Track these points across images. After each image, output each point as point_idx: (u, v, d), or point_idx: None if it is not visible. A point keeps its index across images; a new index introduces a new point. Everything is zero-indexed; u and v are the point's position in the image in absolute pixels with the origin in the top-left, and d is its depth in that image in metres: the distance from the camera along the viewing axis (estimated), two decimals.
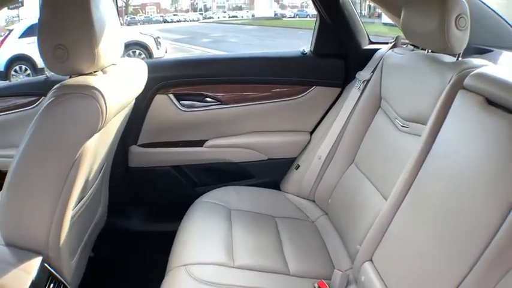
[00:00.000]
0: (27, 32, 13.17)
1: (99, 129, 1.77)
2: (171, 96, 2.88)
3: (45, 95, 2.82)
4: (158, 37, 14.68)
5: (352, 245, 2.08)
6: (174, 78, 2.89)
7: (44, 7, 1.77)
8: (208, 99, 2.91)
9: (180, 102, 2.89)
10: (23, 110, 3.06)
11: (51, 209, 1.80)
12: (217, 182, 2.89)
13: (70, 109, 1.73)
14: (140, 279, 2.59)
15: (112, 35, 1.88)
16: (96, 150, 1.88)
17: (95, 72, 1.88)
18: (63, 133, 1.75)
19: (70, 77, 1.87)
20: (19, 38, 13.48)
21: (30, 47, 12.88)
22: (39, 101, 3.00)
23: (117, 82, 1.98)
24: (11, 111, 3.10)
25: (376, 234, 1.82)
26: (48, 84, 2.89)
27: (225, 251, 2.09)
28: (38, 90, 3.03)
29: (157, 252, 2.32)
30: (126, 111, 2.30)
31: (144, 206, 3.15)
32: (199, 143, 2.94)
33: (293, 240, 2.25)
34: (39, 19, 1.78)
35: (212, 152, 2.94)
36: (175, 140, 2.96)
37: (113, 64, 2.02)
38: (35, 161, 1.78)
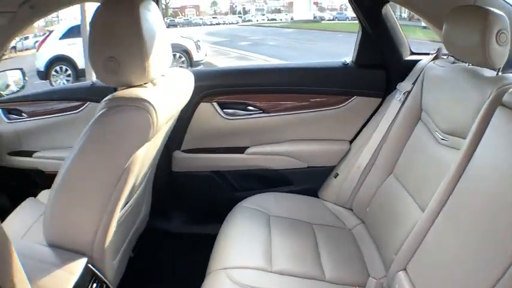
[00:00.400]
0: (68, 34, 13.33)
1: (149, 139, 1.83)
2: (215, 104, 2.95)
3: (90, 100, 3.01)
4: (198, 40, 14.68)
5: (388, 254, 2.11)
6: (218, 87, 2.96)
7: (94, 21, 1.83)
8: (250, 107, 2.97)
9: (224, 110, 2.96)
10: (68, 114, 3.17)
11: (100, 213, 1.86)
12: (257, 188, 2.94)
13: (122, 120, 1.78)
14: (179, 280, 2.68)
15: (161, 46, 1.93)
16: (144, 157, 1.93)
17: (145, 84, 1.94)
18: (115, 143, 1.81)
19: (116, 89, 1.92)
20: (60, 39, 13.61)
21: (71, 48, 13.05)
22: (84, 106, 3.12)
23: (167, 93, 2.03)
24: (56, 115, 3.21)
25: (412, 244, 1.84)
26: (93, 90, 3.04)
27: (263, 256, 2.14)
28: (83, 95, 3.15)
29: (196, 254, 2.38)
30: (173, 119, 2.35)
31: (185, 209, 3.23)
32: (241, 150, 3.00)
33: (330, 247, 2.28)
34: (90, 32, 1.83)
35: (253, 159, 2.99)
36: (218, 147, 3.03)
37: (162, 75, 2.07)
38: (87, 167, 1.84)
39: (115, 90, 2.64)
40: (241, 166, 3.03)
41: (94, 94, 3.11)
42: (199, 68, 12.32)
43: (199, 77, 2.65)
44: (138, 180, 2.12)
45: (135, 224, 2.49)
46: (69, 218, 1.92)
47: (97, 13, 1.82)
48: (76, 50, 12.66)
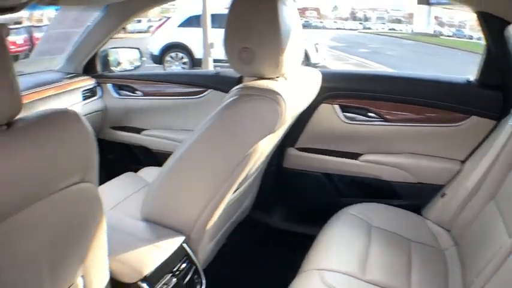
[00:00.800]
0: (187, 23, 13.63)
1: (274, 131, 1.88)
2: (336, 106, 2.95)
3: (212, 88, 3.11)
4: (317, 43, 14.68)
5: (469, 276, 2.09)
6: (342, 90, 2.96)
7: (231, 11, 1.89)
8: (370, 114, 2.94)
9: (344, 113, 2.96)
10: (187, 98, 3.29)
11: (210, 197, 1.93)
12: (363, 196, 2.94)
13: (252, 109, 1.83)
14: (266, 274, 2.74)
15: (296, 41, 1.97)
16: (264, 148, 1.97)
17: (276, 77, 1.98)
18: (241, 131, 1.86)
19: (240, 80, 1.96)
20: (178, 26, 14.00)
21: (189, 37, 13.34)
22: (206, 93, 3.21)
23: (296, 90, 2.08)
24: (175, 97, 3.34)
25: (492, 268, 1.83)
26: (217, 79, 3.14)
27: (358, 264, 2.16)
28: (206, 82, 3.24)
29: (289, 252, 2.46)
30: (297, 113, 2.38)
31: (287, 206, 3.28)
32: (354, 156, 2.99)
33: (421, 265, 2.26)
34: (227, 21, 1.91)
35: (365, 166, 2.98)
36: (332, 149, 3.04)
37: (293, 71, 2.10)
38: (208, 150, 1.91)
39: (239, 80, 2.72)
40: (352, 172, 3.01)
41: (217, 83, 3.20)
42: (325, 68, 12.34)
43: (324, 77, 2.70)
44: (252, 170, 2.17)
45: (237, 212, 2.56)
46: (177, 196, 2.00)
47: (234, 3, 1.88)
48: (194, 40, 13.00)
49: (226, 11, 1.95)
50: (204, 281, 2.14)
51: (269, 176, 2.94)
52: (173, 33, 14.11)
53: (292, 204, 3.28)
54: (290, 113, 1.91)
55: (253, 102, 1.83)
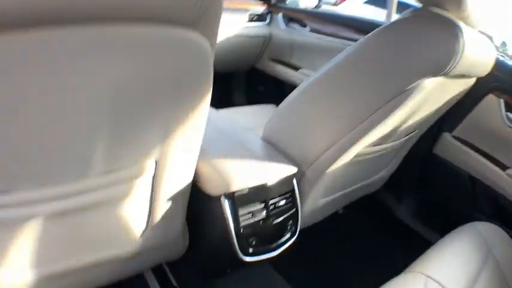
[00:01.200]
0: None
1: (444, 73, 1.45)
2: (501, 102, 2.33)
3: None
4: None
5: None
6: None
7: None
8: None
9: (507, 113, 2.34)
10: (346, 44, 2.90)
11: (337, 136, 1.59)
12: (492, 215, 2.47)
13: (424, 35, 1.42)
14: (370, 260, 2.41)
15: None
16: (424, 100, 1.58)
17: (460, 18, 1.53)
18: (403, 57, 1.45)
19: (420, 9, 1.56)
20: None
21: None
22: None
23: (476, 43, 1.59)
24: (344, 41, 3.00)
25: None
26: None
27: (464, 286, 1.77)
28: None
29: (403, 247, 2.21)
30: (463, 87, 1.96)
31: (419, 199, 2.79)
32: (501, 166, 2.38)
33: None
34: None
35: (507, 181, 2.37)
36: (484, 150, 2.44)
37: (473, 27, 1.64)
38: (349, 77, 1.56)
39: None
40: (493, 183, 2.43)
41: None
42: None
43: (499, 66, 2.15)
44: (400, 127, 1.76)
45: (364, 181, 2.18)
46: (303, 123, 1.70)
47: None
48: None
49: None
50: (297, 231, 1.79)
51: (414, 159, 2.49)
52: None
53: (424, 199, 2.78)
54: (466, 62, 1.49)
55: (427, 26, 1.43)
